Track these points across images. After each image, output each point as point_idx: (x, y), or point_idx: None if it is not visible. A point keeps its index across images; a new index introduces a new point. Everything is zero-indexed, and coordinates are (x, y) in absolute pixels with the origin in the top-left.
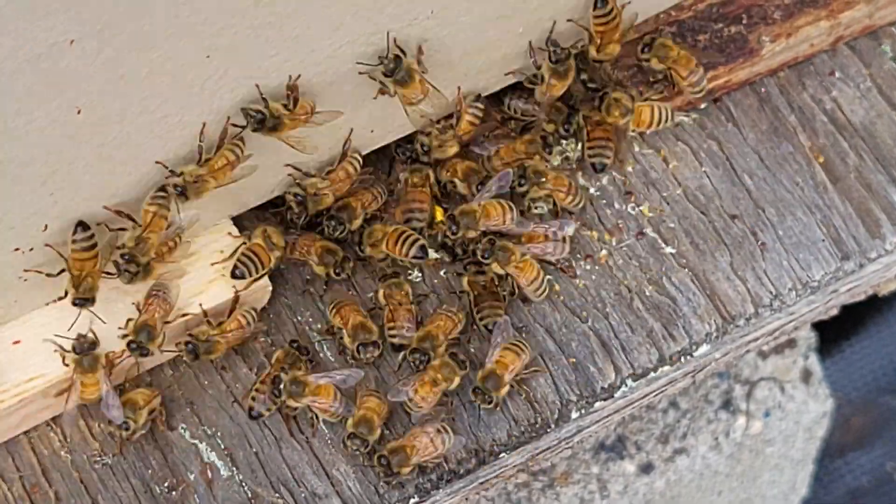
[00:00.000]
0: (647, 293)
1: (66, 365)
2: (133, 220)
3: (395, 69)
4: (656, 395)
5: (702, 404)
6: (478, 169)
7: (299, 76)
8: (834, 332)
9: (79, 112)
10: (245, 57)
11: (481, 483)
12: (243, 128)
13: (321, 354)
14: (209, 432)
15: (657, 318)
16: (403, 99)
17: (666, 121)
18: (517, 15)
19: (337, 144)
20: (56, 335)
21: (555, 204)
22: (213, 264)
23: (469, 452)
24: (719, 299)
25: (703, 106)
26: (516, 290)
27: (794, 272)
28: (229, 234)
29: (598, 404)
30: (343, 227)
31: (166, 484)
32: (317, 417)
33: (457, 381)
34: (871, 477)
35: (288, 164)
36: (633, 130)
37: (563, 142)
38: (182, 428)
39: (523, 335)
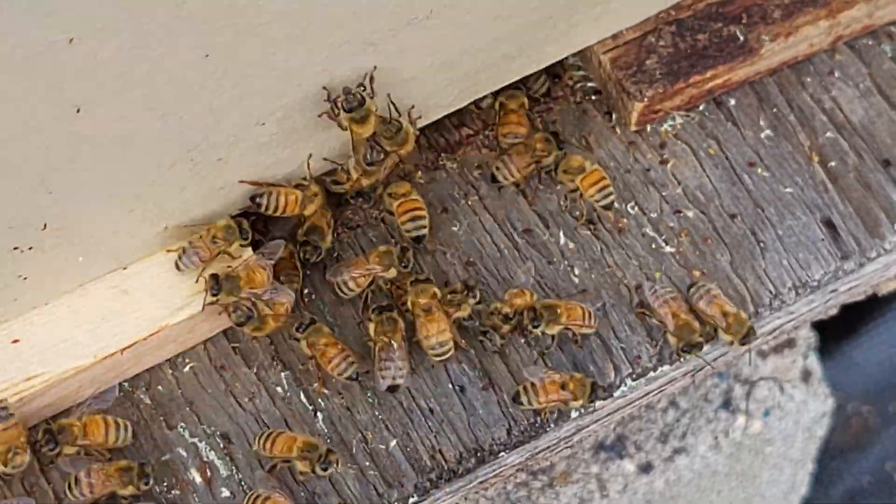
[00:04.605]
0: None
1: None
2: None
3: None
4: (656, 394)
5: (701, 404)
6: None
7: None
8: (834, 332)
9: (78, 111)
10: (244, 55)
11: (480, 482)
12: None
13: None
14: (208, 431)
15: None
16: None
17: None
18: (516, 15)
19: None
20: None
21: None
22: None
23: (468, 451)
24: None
25: (701, 106)
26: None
27: (794, 271)
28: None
29: (597, 403)
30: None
31: (165, 483)
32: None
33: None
34: (872, 477)
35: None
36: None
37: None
38: (181, 427)
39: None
